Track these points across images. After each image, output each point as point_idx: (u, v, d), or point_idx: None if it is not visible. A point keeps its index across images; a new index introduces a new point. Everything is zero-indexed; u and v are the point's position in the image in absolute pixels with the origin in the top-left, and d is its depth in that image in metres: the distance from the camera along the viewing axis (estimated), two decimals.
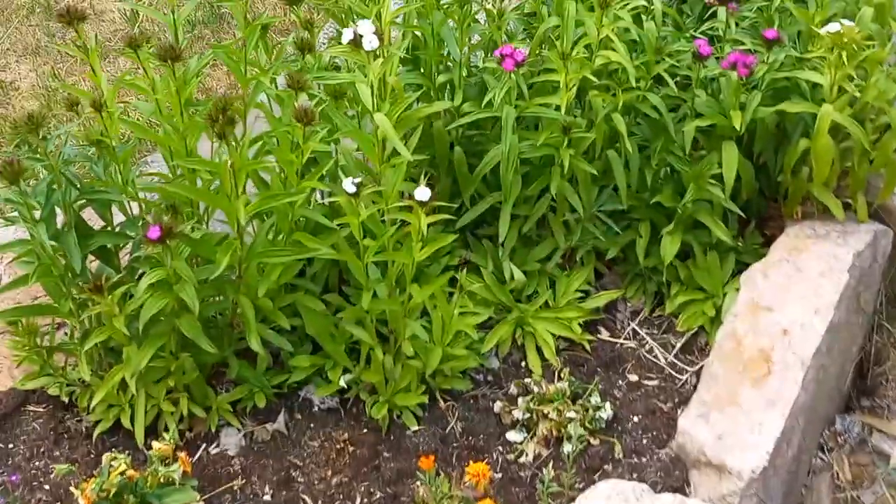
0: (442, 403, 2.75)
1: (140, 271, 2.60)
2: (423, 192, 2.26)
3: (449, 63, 2.91)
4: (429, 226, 2.40)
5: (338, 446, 2.65)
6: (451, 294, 2.66)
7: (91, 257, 2.60)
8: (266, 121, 2.65)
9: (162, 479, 2.45)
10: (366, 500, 2.53)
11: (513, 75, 2.64)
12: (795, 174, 2.87)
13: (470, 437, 2.68)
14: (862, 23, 2.73)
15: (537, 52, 2.82)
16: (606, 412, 2.67)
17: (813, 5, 2.73)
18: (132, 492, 2.41)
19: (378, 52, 2.54)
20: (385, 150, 2.48)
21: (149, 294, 2.43)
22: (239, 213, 2.28)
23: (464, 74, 3.00)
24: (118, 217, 2.66)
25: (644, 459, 2.60)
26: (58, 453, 2.65)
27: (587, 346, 2.89)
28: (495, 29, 2.84)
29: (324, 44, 3.34)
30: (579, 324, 2.91)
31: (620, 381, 2.83)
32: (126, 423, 2.65)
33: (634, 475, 2.55)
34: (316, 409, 2.76)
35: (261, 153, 2.60)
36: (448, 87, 2.99)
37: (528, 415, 2.66)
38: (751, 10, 2.87)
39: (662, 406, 2.75)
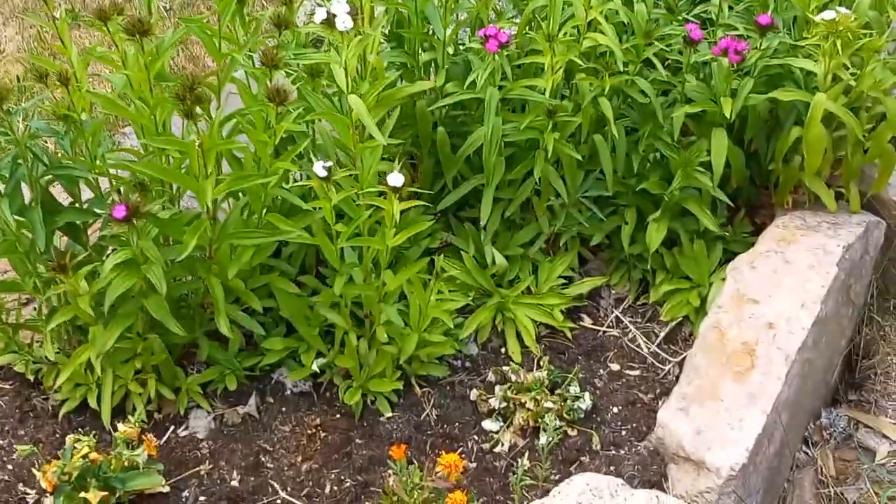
0: (417, 390, 2.69)
1: (111, 249, 2.54)
2: (395, 178, 2.18)
3: (434, 42, 2.82)
4: (409, 208, 2.33)
5: (309, 431, 2.59)
6: (431, 278, 2.59)
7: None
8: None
9: (126, 463, 2.40)
10: (335, 487, 2.47)
11: (496, 57, 2.56)
12: (787, 163, 2.80)
13: (445, 425, 2.62)
14: (859, 10, 2.65)
15: (525, 32, 2.74)
16: (585, 402, 2.61)
17: None
18: (95, 475, 2.36)
19: (358, 30, 2.47)
20: (362, 132, 2.40)
21: (116, 274, 2.37)
22: (206, 195, 2.20)
23: (449, 52, 2.92)
24: (88, 193, 2.59)
25: (622, 452, 2.53)
26: (22, 432, 2.59)
27: (568, 334, 2.83)
28: (482, 7, 2.76)
29: (307, 17, 3.25)
30: (561, 311, 2.85)
31: (601, 371, 2.77)
32: (93, 403, 2.59)
33: (612, 468, 2.48)
34: (288, 392, 2.70)
35: (235, 131, 2.53)
36: (433, 65, 2.91)
37: (504, 404, 2.60)
38: None
39: (643, 397, 2.68)
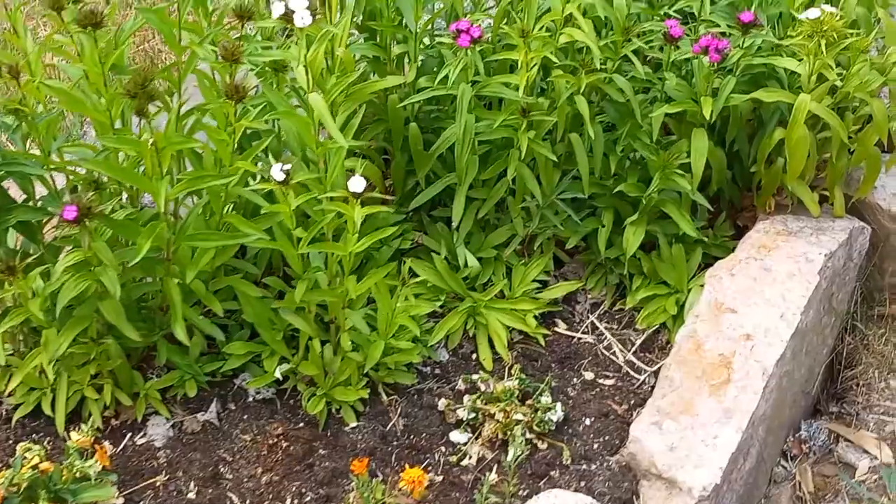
0: (384, 398, 2.60)
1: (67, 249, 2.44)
2: (357, 183, 2.08)
3: (406, 34, 2.72)
4: (382, 202, 2.24)
5: (270, 441, 2.50)
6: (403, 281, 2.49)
7: None
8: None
9: (78, 474, 2.30)
10: (296, 501, 2.38)
11: (469, 52, 2.45)
12: (770, 164, 2.70)
13: (412, 436, 2.53)
14: (846, 7, 2.55)
15: (500, 25, 2.63)
16: (557, 413, 2.52)
17: None
18: (45, 487, 2.26)
19: (320, 25, 2.37)
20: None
21: (68, 276, 2.27)
22: (159, 196, 2.10)
23: (425, 43, 2.82)
24: (43, 190, 2.48)
25: (593, 467, 2.44)
26: None
27: (542, 341, 2.73)
28: None
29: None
30: (535, 316, 2.75)
31: (575, 379, 2.68)
32: (47, 408, 2.50)
33: (582, 483, 2.40)
34: (251, 399, 2.60)
35: (197, 126, 2.42)
36: (407, 58, 2.80)
37: (473, 414, 2.51)
38: None
39: (617, 408, 2.59)
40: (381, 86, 2.55)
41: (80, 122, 3.44)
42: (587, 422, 2.55)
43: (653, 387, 2.57)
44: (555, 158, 2.60)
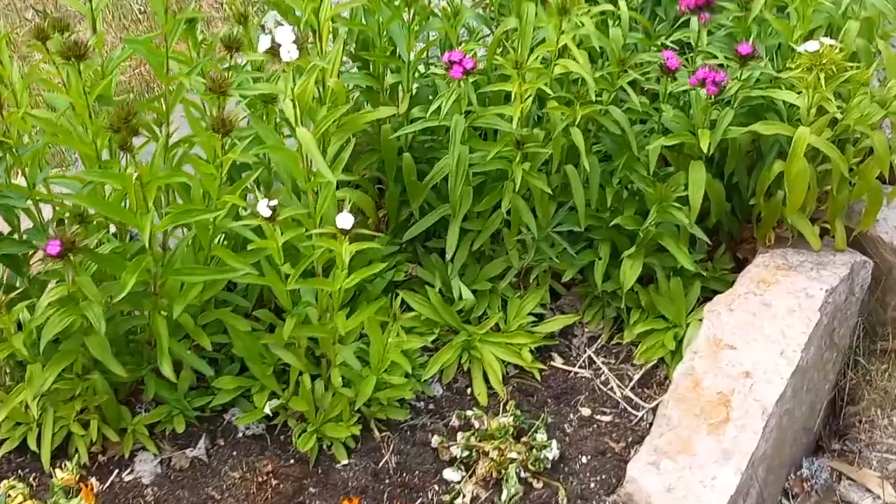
0: (377, 434, 2.55)
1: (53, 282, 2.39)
2: (345, 219, 2.04)
3: (399, 64, 2.67)
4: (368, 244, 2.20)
5: (260, 479, 2.44)
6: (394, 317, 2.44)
7: None
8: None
9: None
10: None
11: (462, 83, 2.41)
12: (769, 197, 2.65)
13: (404, 474, 2.47)
14: (847, 38, 2.51)
15: (495, 54, 2.59)
16: (552, 451, 2.46)
17: (794, 17, 2.48)
18: None
19: (317, 52, 2.34)
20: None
21: (53, 310, 2.23)
22: (144, 231, 2.06)
23: (420, 70, 2.79)
24: (29, 222, 2.45)
25: None
26: None
27: (538, 375, 2.68)
28: (450, 28, 2.61)
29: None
30: (530, 350, 2.70)
31: (571, 415, 2.62)
32: (32, 444, 2.45)
33: None
34: (241, 434, 2.55)
35: (185, 158, 2.38)
36: (400, 88, 2.76)
37: (467, 452, 2.45)
38: (727, 19, 2.62)
39: (614, 446, 2.54)
40: (373, 117, 2.51)
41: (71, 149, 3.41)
42: (583, 460, 2.50)
43: (651, 423, 2.52)
44: (550, 191, 2.56)
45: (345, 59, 2.85)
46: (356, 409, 2.49)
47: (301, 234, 2.17)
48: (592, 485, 2.44)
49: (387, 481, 2.45)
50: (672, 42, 2.63)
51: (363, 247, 2.12)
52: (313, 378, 2.50)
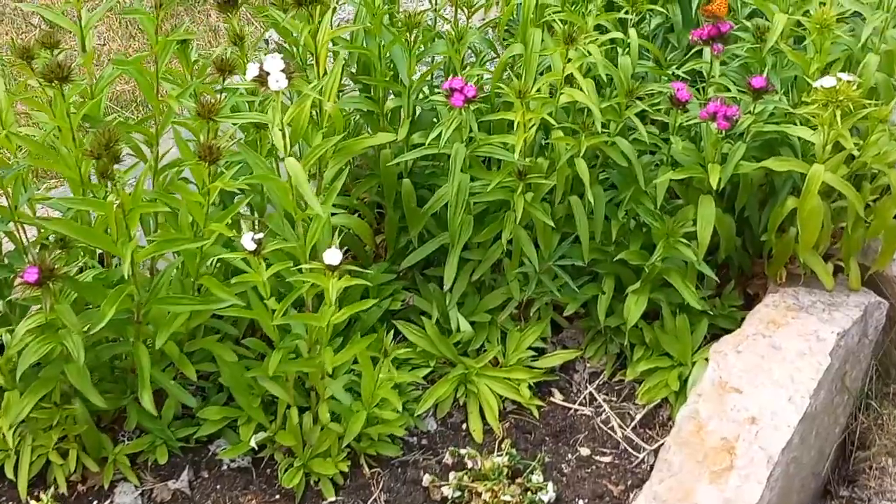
0: (366, 469, 2.45)
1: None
2: (332, 256, 1.95)
3: (400, 89, 2.58)
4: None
5: None
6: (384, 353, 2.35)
7: None
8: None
9: None
10: None
11: (463, 112, 2.32)
12: (781, 234, 2.55)
13: None
14: (866, 71, 2.41)
15: (498, 83, 2.50)
16: (548, 494, 2.37)
17: (811, 49, 2.38)
18: None
19: (316, 75, 2.26)
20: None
21: (32, 337, 2.15)
22: (125, 260, 1.97)
23: (422, 95, 2.70)
24: (10, 245, 2.37)
25: None
26: None
27: (536, 413, 2.59)
28: (454, 52, 2.52)
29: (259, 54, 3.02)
30: (529, 385, 2.60)
31: (570, 455, 2.53)
32: (9, 472, 2.36)
33: None
34: (225, 467, 2.47)
35: (174, 185, 2.30)
36: (402, 112, 2.68)
37: (458, 493, 2.36)
38: (742, 49, 2.52)
39: (613, 489, 2.44)
40: (371, 143, 2.42)
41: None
42: (580, 503, 2.40)
43: (652, 466, 2.42)
44: (552, 224, 2.46)
45: (347, 80, 2.77)
46: (345, 445, 2.40)
47: (288, 268, 2.08)
48: None
49: None
50: (684, 72, 2.53)
51: (352, 283, 2.03)
52: (302, 411, 2.41)
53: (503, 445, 2.48)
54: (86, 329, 2.12)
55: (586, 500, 2.41)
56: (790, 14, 2.47)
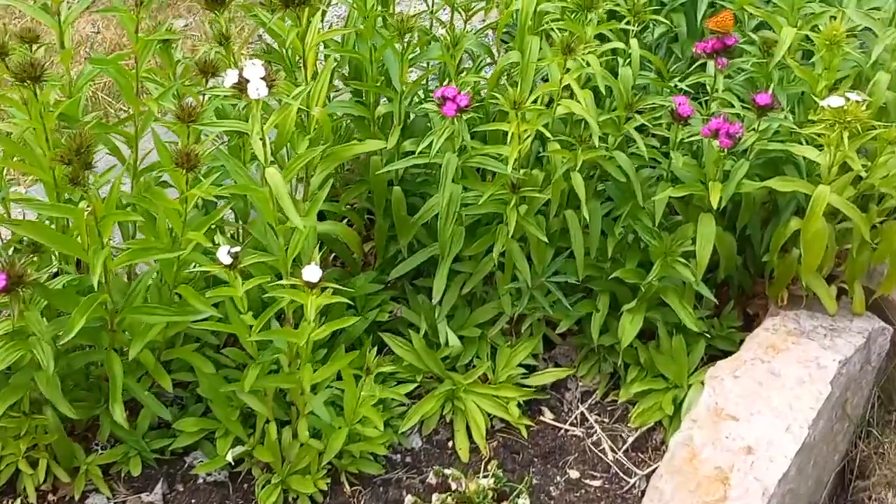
0: (347, 487, 2.37)
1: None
2: (311, 272, 1.86)
3: (391, 94, 2.49)
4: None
5: None
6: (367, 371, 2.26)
7: None
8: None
9: None
10: None
11: (455, 121, 2.23)
12: (784, 254, 2.46)
13: None
14: (876, 90, 2.31)
15: (493, 92, 2.40)
16: None
17: (820, 66, 2.29)
18: None
19: (304, 79, 2.17)
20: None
21: (1, 344, 2.07)
22: (95, 270, 1.89)
23: (417, 99, 2.61)
24: None
25: None
26: None
27: (524, 433, 2.50)
28: (448, 57, 2.43)
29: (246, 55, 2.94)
30: (519, 403, 2.52)
31: (559, 477, 2.44)
32: None
33: None
34: (201, 480, 2.39)
35: (152, 191, 2.21)
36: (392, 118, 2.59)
37: None
38: (748, 63, 2.43)
39: None
40: (360, 150, 2.34)
41: None
42: None
43: (643, 492, 2.34)
44: (545, 239, 2.37)
45: (339, 83, 2.69)
46: (326, 462, 2.31)
47: (266, 282, 1.99)
48: None
49: None
50: (688, 85, 2.43)
51: (332, 300, 1.94)
52: (281, 425, 2.33)
53: (490, 466, 2.40)
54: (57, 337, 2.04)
55: None
56: (799, 28, 2.37)
